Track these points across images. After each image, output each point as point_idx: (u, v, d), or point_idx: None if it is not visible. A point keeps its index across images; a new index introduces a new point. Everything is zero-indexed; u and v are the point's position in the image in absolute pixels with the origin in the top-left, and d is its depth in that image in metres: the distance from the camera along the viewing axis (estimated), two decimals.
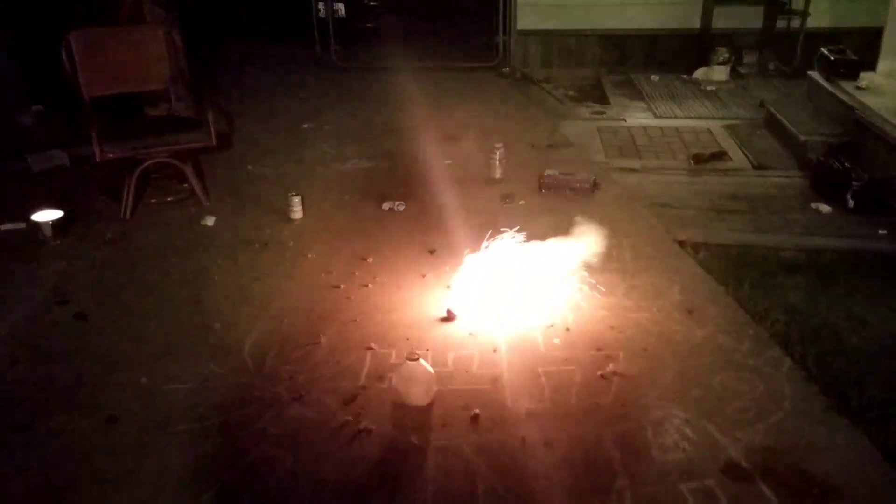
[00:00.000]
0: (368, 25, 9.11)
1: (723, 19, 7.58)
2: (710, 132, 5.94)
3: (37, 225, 4.00)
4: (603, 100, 7.08)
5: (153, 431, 2.55)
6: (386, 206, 4.40)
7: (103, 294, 3.49)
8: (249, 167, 5.17)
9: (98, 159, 4.12)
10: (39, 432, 2.56)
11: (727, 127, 6.04)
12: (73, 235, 4.09)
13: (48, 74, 5.01)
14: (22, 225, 4.12)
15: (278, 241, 4.02)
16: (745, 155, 5.42)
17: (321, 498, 2.28)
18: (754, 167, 5.21)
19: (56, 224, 4.01)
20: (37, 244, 3.98)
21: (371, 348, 2.99)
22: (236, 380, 2.82)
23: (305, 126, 6.13)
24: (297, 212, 4.27)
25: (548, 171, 4.66)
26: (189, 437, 2.52)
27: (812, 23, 7.30)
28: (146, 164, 4.32)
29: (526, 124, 6.12)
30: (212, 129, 4.35)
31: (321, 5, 8.18)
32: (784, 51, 7.52)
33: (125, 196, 4.31)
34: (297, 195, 4.28)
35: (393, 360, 2.89)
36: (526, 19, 7.86)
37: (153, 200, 4.55)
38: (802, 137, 5.20)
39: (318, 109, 6.57)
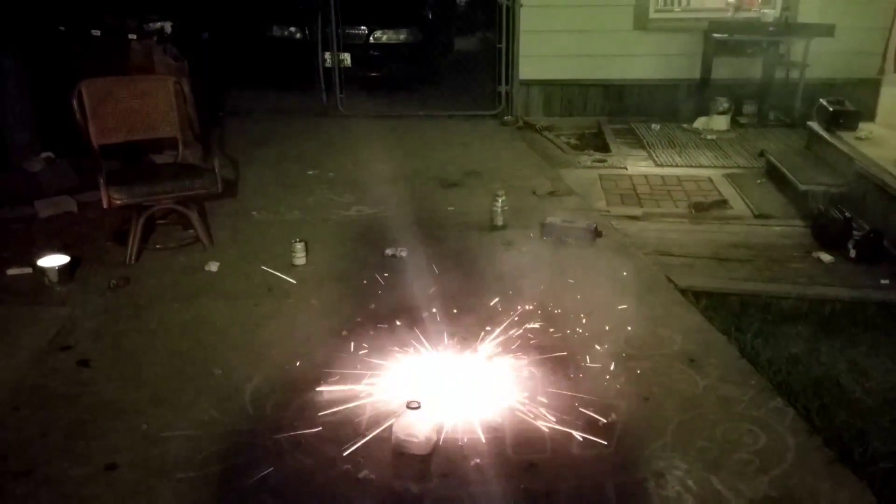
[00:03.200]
0: (373, 74, 9.26)
1: (723, 70, 7.69)
2: (711, 181, 5.99)
3: (43, 270, 4.03)
4: (604, 148, 7.16)
5: (152, 479, 2.54)
6: (388, 251, 4.42)
7: (106, 340, 3.50)
8: (254, 214, 5.22)
9: (105, 205, 4.17)
10: (38, 479, 2.55)
11: (728, 176, 6.10)
12: (79, 281, 4.11)
13: (57, 121, 5.11)
14: (28, 270, 4.16)
15: (281, 287, 4.04)
16: (746, 204, 5.46)
17: None
18: (755, 216, 5.25)
19: (62, 269, 4.04)
20: (42, 289, 4.01)
21: (371, 395, 2.98)
22: (236, 427, 2.81)
23: (310, 173, 6.20)
24: (301, 258, 4.30)
25: (549, 219, 4.70)
26: (188, 484, 2.51)
27: (811, 73, 7.40)
28: (152, 210, 4.37)
29: (527, 172, 6.18)
30: (218, 177, 4.41)
31: (327, 55, 8.34)
32: (784, 101, 7.62)
33: (130, 242, 4.35)
34: (300, 241, 4.31)
35: (394, 408, 2.89)
36: (528, 69, 7.99)
37: (158, 246, 4.58)
38: (803, 187, 5.24)
39: (323, 157, 6.65)
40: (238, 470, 2.58)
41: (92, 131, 4.33)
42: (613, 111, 8.12)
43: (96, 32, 6.07)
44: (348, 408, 2.91)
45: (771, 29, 7.35)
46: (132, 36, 5.96)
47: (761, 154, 6.41)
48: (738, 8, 7.72)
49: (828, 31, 7.06)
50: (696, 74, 7.78)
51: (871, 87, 6.25)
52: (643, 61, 7.91)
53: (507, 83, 8.09)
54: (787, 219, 5.14)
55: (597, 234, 4.62)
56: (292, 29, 9.50)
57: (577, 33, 7.82)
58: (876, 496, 2.46)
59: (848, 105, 5.78)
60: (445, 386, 3.03)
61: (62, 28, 6.03)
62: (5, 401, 3.01)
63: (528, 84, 8.09)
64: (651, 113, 7.92)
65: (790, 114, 7.51)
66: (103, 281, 4.10)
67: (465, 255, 4.38)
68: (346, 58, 8.66)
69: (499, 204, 4.87)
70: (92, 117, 4.32)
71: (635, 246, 4.61)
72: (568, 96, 8.17)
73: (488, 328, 3.48)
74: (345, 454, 2.63)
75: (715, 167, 6.37)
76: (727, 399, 2.99)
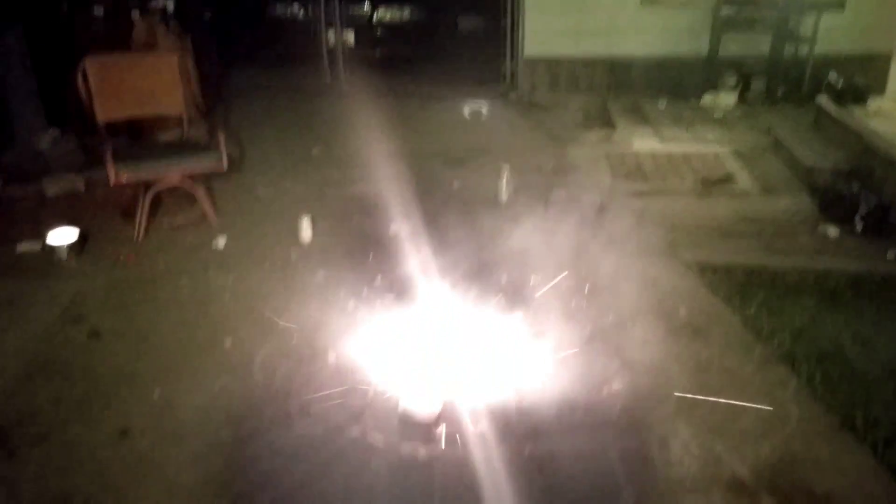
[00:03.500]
0: (377, 53, 9.25)
1: (731, 45, 7.65)
2: (718, 157, 5.98)
3: (53, 246, 4.07)
4: (610, 125, 7.14)
5: (165, 444, 2.59)
6: (394, 227, 4.44)
7: (116, 312, 3.55)
8: (260, 190, 5.24)
9: (112, 183, 4.20)
10: (54, 444, 2.60)
11: (735, 152, 6.08)
12: (88, 256, 4.15)
13: (62, 99, 5.13)
14: (38, 246, 4.20)
15: (288, 261, 4.08)
16: (753, 179, 5.45)
17: None
18: (762, 191, 5.24)
19: (71, 245, 4.08)
20: (52, 264, 4.05)
21: (378, 364, 3.02)
22: (246, 395, 2.86)
23: (315, 150, 6.21)
24: (307, 233, 4.33)
25: (554, 194, 4.70)
26: (199, 450, 2.55)
27: (819, 49, 7.36)
28: (159, 187, 4.40)
29: (533, 148, 6.18)
30: (223, 154, 4.43)
31: (331, 34, 8.33)
32: (792, 77, 7.58)
33: (138, 218, 4.38)
34: (306, 217, 4.34)
35: (401, 375, 2.92)
36: (533, 46, 7.96)
37: (165, 222, 4.62)
38: (810, 162, 5.23)
39: (327, 134, 6.65)
40: (248, 436, 2.62)
41: (97, 108, 4.34)
42: (620, 88, 8.08)
43: (99, 10, 6.06)
44: (356, 376, 2.95)
45: (780, 3, 7.29)
46: (135, 13, 5.95)
47: (769, 130, 6.39)
48: None
49: (838, 5, 7.01)
50: (704, 50, 7.74)
51: (881, 62, 6.21)
52: (650, 37, 7.87)
53: (511, 60, 8.06)
54: (794, 194, 5.14)
55: (602, 209, 4.63)
56: (295, 7, 9.48)
57: (583, 9, 7.78)
58: (877, 461, 2.48)
59: (857, 80, 5.76)
60: (452, 353, 3.05)
61: (65, 6, 6.03)
62: (19, 371, 3.06)
63: (533, 61, 8.06)
64: (657, 90, 7.88)
65: (799, 90, 7.47)
66: (112, 256, 4.14)
67: (471, 231, 4.39)
68: (350, 36, 8.64)
69: (503, 180, 4.87)
70: (97, 94, 4.33)
71: (640, 220, 4.62)
72: (573, 73, 8.14)
73: (494, 299, 3.50)
74: (353, 421, 2.67)
75: (722, 143, 6.34)
76: (730, 368, 3.02)
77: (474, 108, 4.21)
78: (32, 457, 2.55)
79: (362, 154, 6.04)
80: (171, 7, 6.49)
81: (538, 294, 3.56)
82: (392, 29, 9.42)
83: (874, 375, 3.03)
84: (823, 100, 5.97)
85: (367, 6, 9.24)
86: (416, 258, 4.00)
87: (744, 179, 5.48)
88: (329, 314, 3.46)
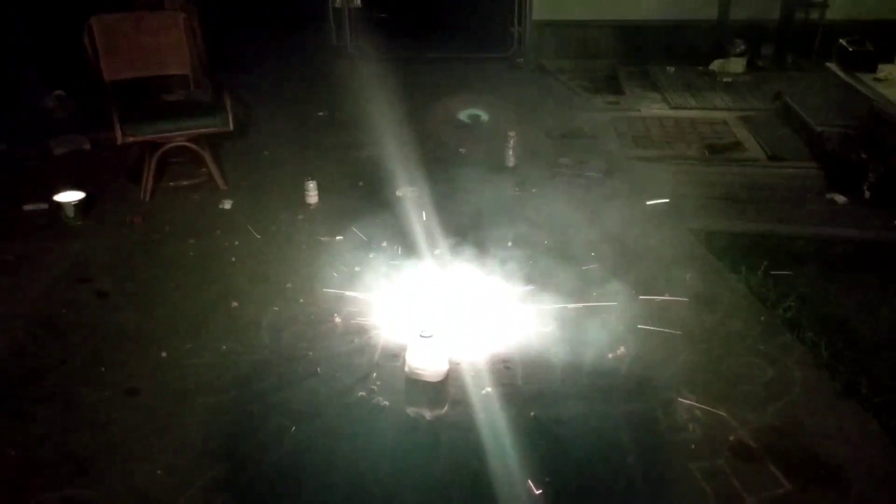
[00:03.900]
0: (384, 15, 9.12)
1: (740, 10, 7.54)
2: (726, 123, 5.93)
3: (59, 205, 4.07)
4: (618, 90, 7.08)
5: (172, 403, 2.61)
6: (399, 191, 4.43)
7: (123, 273, 3.56)
8: (266, 153, 5.22)
9: (118, 142, 4.19)
10: (59, 403, 2.63)
11: (743, 118, 6.03)
12: (94, 216, 4.16)
13: (66, 59, 5.09)
14: (45, 206, 4.20)
15: (294, 224, 4.07)
16: (761, 146, 5.42)
17: (334, 471, 2.32)
18: (770, 158, 5.21)
19: (78, 205, 4.08)
20: (59, 224, 4.05)
21: (384, 326, 3.03)
22: (253, 356, 2.88)
23: (321, 114, 6.17)
24: (313, 196, 4.32)
25: (561, 159, 4.68)
26: (206, 409, 2.58)
27: (830, 14, 7.25)
28: (165, 147, 4.38)
29: (540, 114, 6.13)
30: (230, 115, 4.40)
31: None
32: (802, 42, 7.47)
33: (144, 179, 4.37)
34: (312, 180, 4.32)
35: (407, 337, 2.93)
36: (541, 9, 7.85)
37: (171, 184, 4.61)
38: (819, 128, 5.18)
39: (333, 97, 6.59)
40: (255, 396, 2.64)
41: (103, 67, 4.31)
42: (628, 53, 7.98)
43: None
44: (362, 338, 2.97)
45: None
46: None
47: (777, 96, 6.33)
48: None
49: None
50: (713, 15, 7.63)
51: (892, 28, 6.12)
52: (659, 2, 7.73)
53: (519, 24, 7.96)
54: (801, 160, 5.10)
55: (608, 174, 4.61)
56: None
57: None
58: (881, 426, 2.50)
59: (868, 45, 5.68)
60: (457, 316, 3.07)
61: None
62: (25, 330, 3.08)
63: (541, 25, 7.95)
64: (666, 55, 7.78)
65: (808, 56, 7.38)
66: (119, 217, 4.15)
67: (477, 195, 4.37)
68: None
69: (510, 145, 4.84)
70: (103, 53, 4.30)
71: (647, 187, 4.59)
72: (582, 38, 8.03)
73: (501, 262, 3.50)
74: (359, 382, 2.69)
75: (730, 110, 6.29)
76: (735, 334, 3.02)
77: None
78: (39, 416, 2.57)
79: (369, 117, 6.00)
80: None
81: (543, 259, 3.57)
82: None
83: (879, 342, 3.04)
84: (833, 66, 5.89)
85: None
86: (422, 221, 4.00)
87: (751, 146, 5.44)
88: (335, 276, 3.47)
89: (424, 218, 4.02)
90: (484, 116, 4.16)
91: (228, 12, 8.34)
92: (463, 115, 4.15)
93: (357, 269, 3.53)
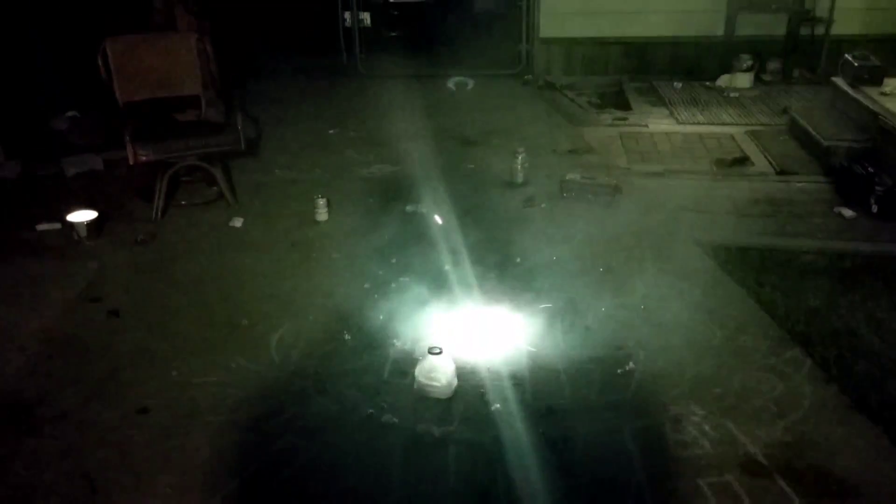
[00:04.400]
0: (393, 34, 9.21)
1: (746, 26, 7.57)
2: (733, 138, 5.94)
3: (72, 225, 4.12)
4: (625, 106, 7.09)
5: (183, 422, 2.63)
6: (409, 208, 4.46)
7: (135, 292, 3.59)
8: (276, 171, 5.26)
9: (131, 162, 4.24)
10: (73, 422, 2.65)
11: (750, 133, 6.03)
12: (107, 236, 4.20)
13: (81, 81, 5.16)
14: (57, 225, 4.25)
15: (304, 242, 4.11)
16: (768, 160, 5.42)
17: (343, 488, 2.34)
18: (777, 172, 5.21)
19: (90, 224, 4.13)
20: (72, 244, 4.10)
21: (393, 344, 3.05)
22: (263, 374, 2.90)
23: (331, 132, 6.22)
24: (323, 214, 4.36)
25: (569, 176, 4.70)
26: (217, 427, 2.60)
27: (836, 30, 7.27)
28: (177, 167, 4.44)
29: (548, 130, 6.16)
30: (241, 134, 4.45)
31: (347, 14, 8.30)
32: (808, 58, 7.50)
33: (156, 198, 4.42)
34: (322, 198, 4.36)
35: (416, 355, 2.95)
36: (549, 27, 7.90)
37: (183, 203, 4.66)
38: (826, 143, 5.19)
39: (344, 116, 6.66)
40: (265, 414, 2.66)
41: (117, 88, 4.38)
42: (635, 70, 8.01)
43: None
44: (371, 355, 2.98)
45: None
46: None
47: (784, 111, 6.34)
48: None
49: None
50: (720, 31, 7.66)
51: None
52: (666, 18, 7.79)
53: (527, 42, 8.01)
54: (809, 175, 5.10)
55: (616, 190, 4.62)
56: None
57: None
58: (891, 441, 2.49)
59: (873, 60, 5.69)
60: (466, 333, 3.08)
61: None
62: (39, 349, 3.11)
63: (548, 42, 8.00)
64: (673, 71, 7.82)
65: (814, 70, 7.39)
66: (131, 236, 4.19)
67: (485, 211, 4.40)
68: (366, 17, 8.60)
69: (518, 161, 4.87)
70: (117, 74, 4.37)
71: (655, 202, 4.61)
72: (589, 55, 8.08)
73: (508, 279, 3.52)
74: (369, 400, 2.70)
75: (737, 125, 6.30)
76: (745, 349, 3.02)
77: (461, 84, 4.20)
78: (52, 434, 2.60)
79: (379, 135, 6.06)
80: None
81: (552, 273, 3.58)
82: (408, 10, 9.37)
83: (888, 356, 3.02)
84: (839, 81, 5.90)
85: None
86: (432, 237, 4.02)
87: (759, 160, 5.45)
88: (345, 294, 3.50)
89: (433, 234, 4.04)
90: (470, 83, 4.21)
91: (241, 33, 8.43)
92: (450, 83, 4.19)
93: (367, 286, 3.55)
